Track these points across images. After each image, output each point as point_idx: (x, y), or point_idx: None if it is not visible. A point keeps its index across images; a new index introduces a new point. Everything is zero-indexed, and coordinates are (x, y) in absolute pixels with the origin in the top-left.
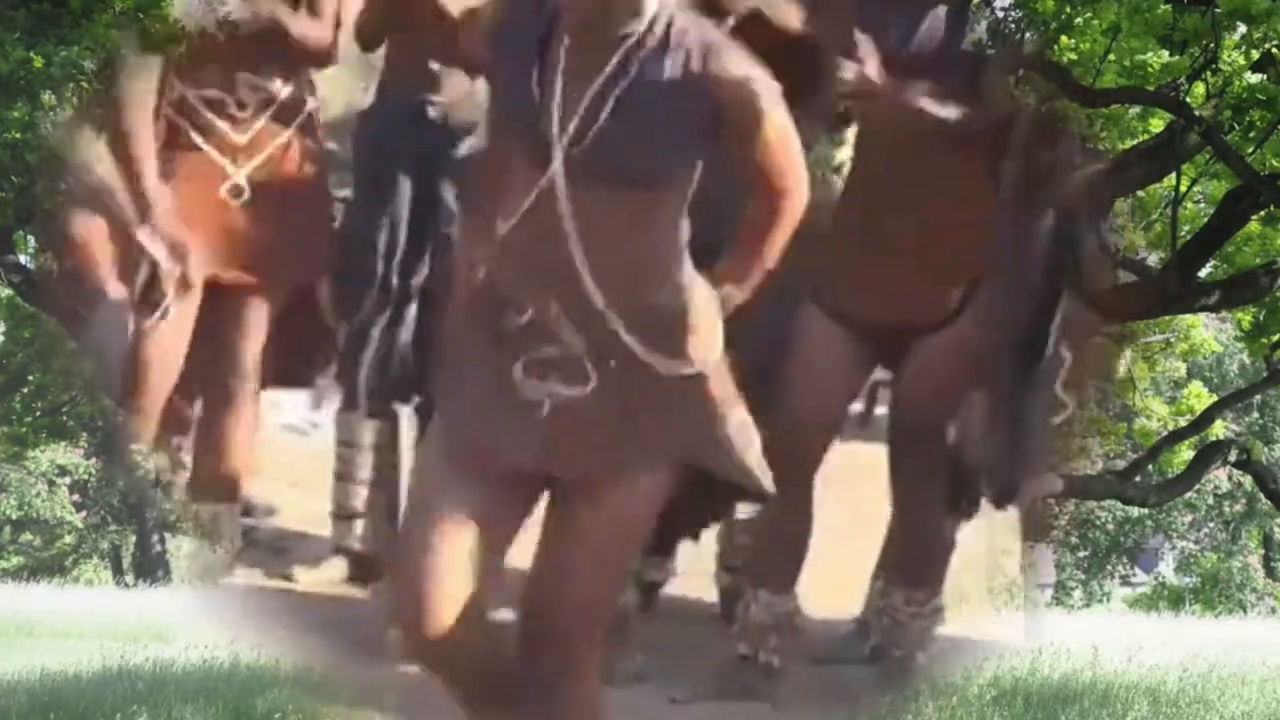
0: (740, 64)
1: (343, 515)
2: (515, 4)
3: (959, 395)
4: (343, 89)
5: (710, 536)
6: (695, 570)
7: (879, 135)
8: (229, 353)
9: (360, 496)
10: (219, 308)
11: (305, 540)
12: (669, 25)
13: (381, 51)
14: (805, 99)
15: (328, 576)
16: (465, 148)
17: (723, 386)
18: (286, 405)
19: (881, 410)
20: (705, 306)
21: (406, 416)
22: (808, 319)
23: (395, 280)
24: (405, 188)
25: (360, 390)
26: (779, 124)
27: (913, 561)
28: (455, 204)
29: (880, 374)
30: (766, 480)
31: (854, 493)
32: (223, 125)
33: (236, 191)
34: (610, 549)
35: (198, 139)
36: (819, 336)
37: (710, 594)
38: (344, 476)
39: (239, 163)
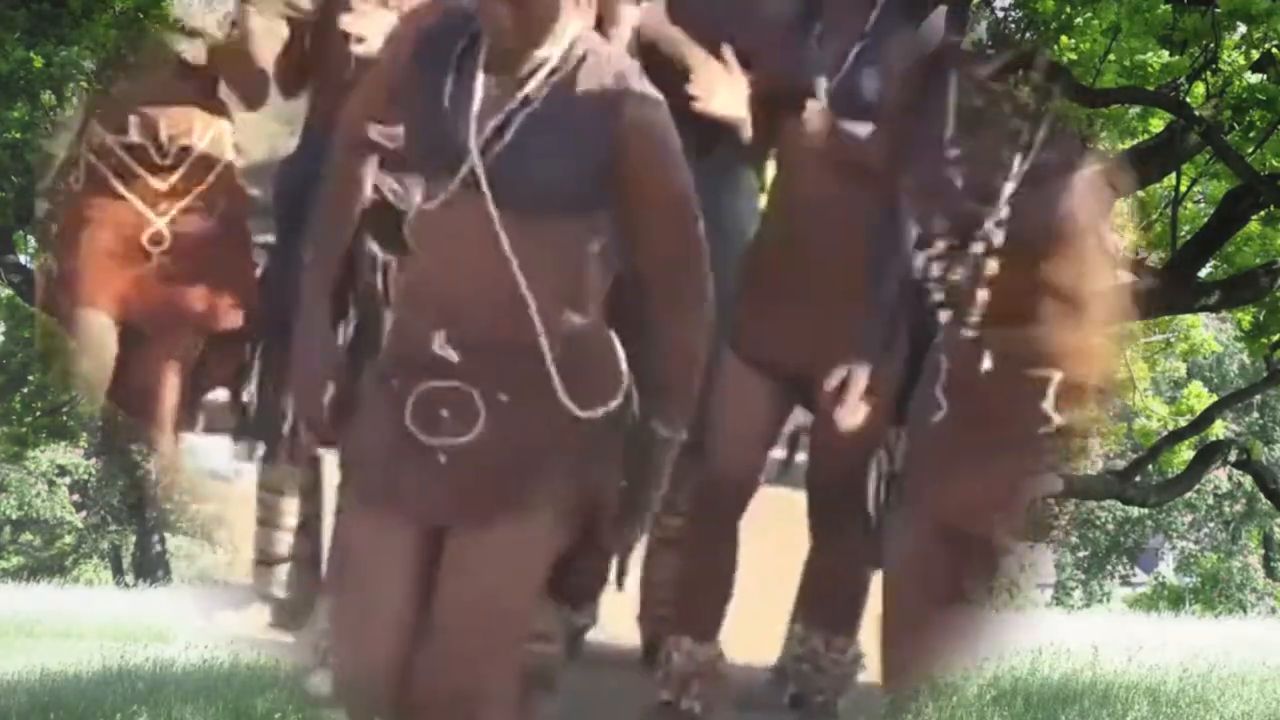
0: (649, 106)
1: (265, 561)
2: (439, 26)
3: (876, 437)
4: (266, 133)
5: (634, 581)
6: (621, 615)
7: (794, 176)
8: (146, 398)
9: (284, 542)
10: (139, 353)
11: (227, 586)
12: (583, 55)
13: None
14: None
15: (250, 623)
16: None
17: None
18: (206, 451)
19: (802, 457)
20: (612, 350)
21: (329, 462)
22: (725, 364)
23: None
24: None
25: (285, 436)
26: (678, 184)
27: (832, 606)
28: (378, 252)
29: (803, 419)
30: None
31: (774, 538)
32: (143, 172)
33: (157, 239)
34: (501, 595)
35: (119, 186)
36: (735, 382)
37: (635, 639)
38: (267, 522)
39: (160, 210)
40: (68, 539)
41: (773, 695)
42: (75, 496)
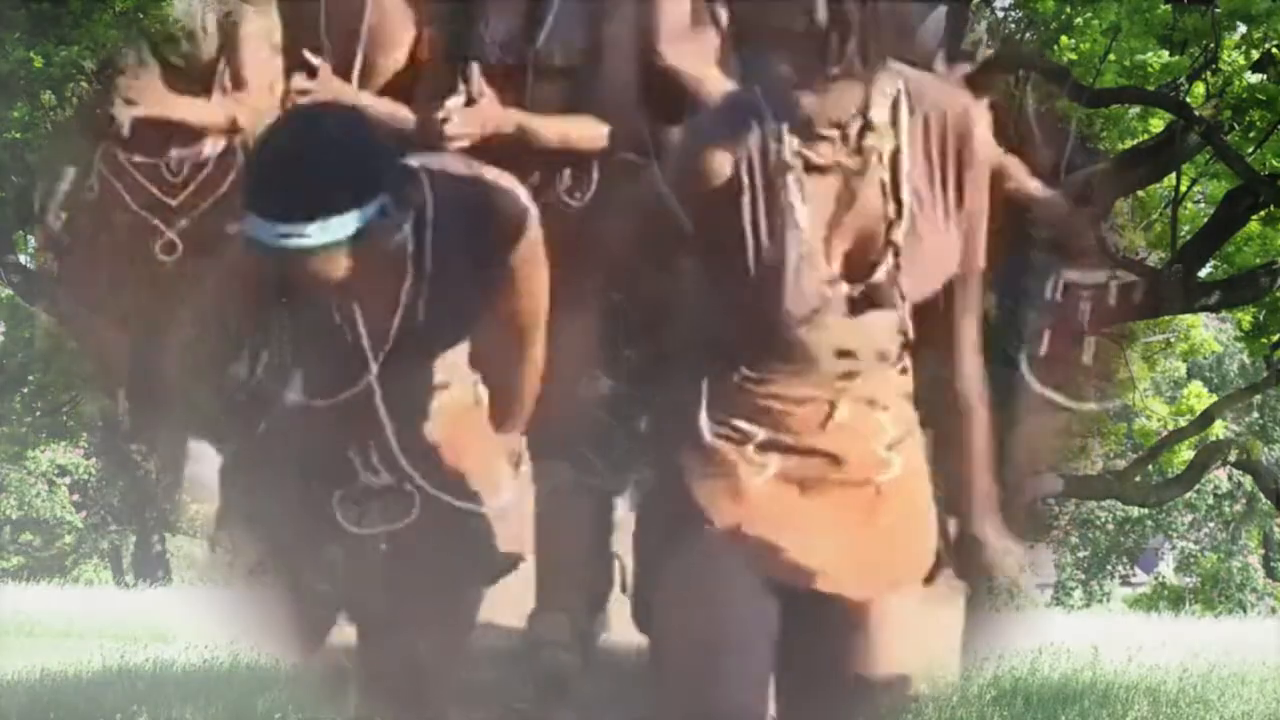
0: (504, 181)
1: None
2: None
3: None
4: None
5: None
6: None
7: None
8: (161, 401)
9: None
10: (154, 357)
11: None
12: (431, 179)
13: None
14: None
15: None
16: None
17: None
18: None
19: None
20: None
21: None
22: None
23: None
24: None
25: None
26: (534, 247)
27: None
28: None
29: None
30: None
31: None
32: (155, 190)
33: (169, 248)
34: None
35: (132, 203)
36: None
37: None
38: None
39: (172, 223)
40: (68, 539)
41: None
42: (75, 496)
